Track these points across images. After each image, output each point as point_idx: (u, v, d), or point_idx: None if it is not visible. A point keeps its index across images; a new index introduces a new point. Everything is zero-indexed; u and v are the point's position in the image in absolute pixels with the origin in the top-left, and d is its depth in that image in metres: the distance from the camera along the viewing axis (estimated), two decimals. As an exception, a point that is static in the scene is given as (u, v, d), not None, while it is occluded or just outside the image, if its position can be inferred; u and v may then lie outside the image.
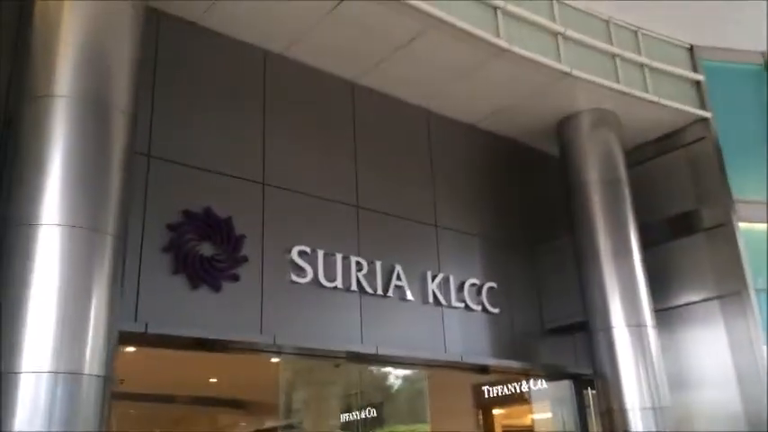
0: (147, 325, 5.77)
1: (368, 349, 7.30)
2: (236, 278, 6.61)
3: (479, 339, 8.48)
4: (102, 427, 4.64)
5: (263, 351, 6.74)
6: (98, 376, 4.63)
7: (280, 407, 12.86)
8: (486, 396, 11.61)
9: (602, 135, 9.16)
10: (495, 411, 11.94)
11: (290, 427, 14.92)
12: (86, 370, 4.54)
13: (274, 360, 10.99)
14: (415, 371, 11.40)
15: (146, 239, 6.15)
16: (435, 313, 8.15)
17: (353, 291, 7.46)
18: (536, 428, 10.56)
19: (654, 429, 7.76)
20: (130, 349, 9.22)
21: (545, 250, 9.42)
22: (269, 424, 14.19)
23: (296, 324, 6.90)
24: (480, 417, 11.75)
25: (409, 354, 7.63)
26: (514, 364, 8.60)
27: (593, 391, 8.71)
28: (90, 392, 4.56)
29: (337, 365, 11.50)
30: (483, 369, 8.51)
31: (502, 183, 9.56)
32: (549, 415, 9.82)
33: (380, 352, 7.33)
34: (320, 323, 7.09)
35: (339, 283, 7.34)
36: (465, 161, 9.30)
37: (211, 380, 11.59)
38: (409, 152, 8.71)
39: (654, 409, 7.84)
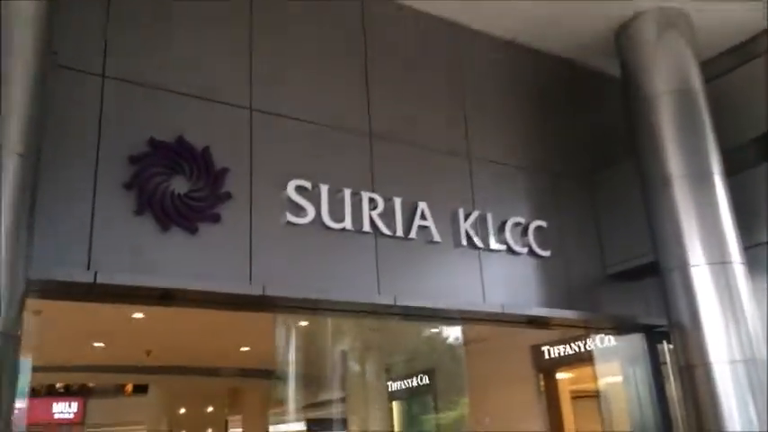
0: (96, 274, 4.75)
1: (385, 300, 6.11)
2: (216, 219, 5.53)
3: (526, 287, 7.15)
4: (12, 396, 3.69)
5: (251, 305, 5.63)
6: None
7: (317, 377, 11.93)
8: (547, 357, 10.26)
9: (670, 40, 7.56)
10: (560, 376, 10.56)
11: (330, 402, 14.04)
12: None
13: (303, 323, 10.11)
14: (467, 333, 10.19)
15: (101, 174, 5.13)
16: (470, 258, 6.86)
17: (367, 232, 6.27)
18: (604, 392, 9.13)
19: (746, 386, 6.26)
20: (138, 315, 8.48)
21: (604, 180, 7.94)
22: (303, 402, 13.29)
23: (293, 272, 5.78)
24: (542, 382, 10.40)
25: (437, 305, 6.39)
26: (570, 314, 7.22)
27: (670, 345, 7.26)
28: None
29: (374, 329, 10.47)
30: (531, 321, 7.18)
31: (548, 106, 8.11)
32: (619, 377, 8.38)
33: (400, 303, 6.13)
34: (324, 271, 5.94)
35: (348, 223, 6.16)
36: (503, 82, 7.89)
37: (243, 348, 10.74)
38: (434, 72, 7.38)
39: (745, 361, 6.33)
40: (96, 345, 9.63)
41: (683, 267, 6.76)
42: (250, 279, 5.54)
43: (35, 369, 11.41)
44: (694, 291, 6.68)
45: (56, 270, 4.62)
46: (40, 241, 4.66)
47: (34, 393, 19.76)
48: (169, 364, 12.27)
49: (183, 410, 15.07)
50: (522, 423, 9.98)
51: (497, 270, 6.98)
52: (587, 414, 10.15)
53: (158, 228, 5.26)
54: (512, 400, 10.35)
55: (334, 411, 13.86)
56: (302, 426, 17.58)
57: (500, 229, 7.10)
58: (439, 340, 10.44)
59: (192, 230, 5.39)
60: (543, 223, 7.38)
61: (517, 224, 7.22)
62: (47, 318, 8.03)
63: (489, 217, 7.05)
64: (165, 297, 5.25)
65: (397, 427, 12.92)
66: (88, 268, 4.84)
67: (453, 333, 10.14)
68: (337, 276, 6.00)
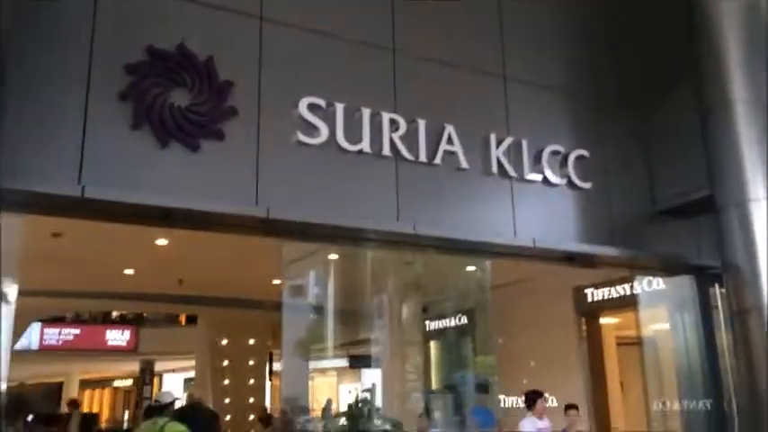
0: (83, 189, 4.47)
1: (403, 228, 5.68)
2: (220, 136, 5.15)
3: (563, 222, 6.58)
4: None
5: (253, 227, 5.29)
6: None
7: (355, 313, 11.72)
8: (590, 300, 9.68)
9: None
10: (604, 321, 9.98)
11: (368, 339, 13.85)
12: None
13: (332, 257, 9.80)
14: (507, 273, 9.69)
15: (94, 84, 4.79)
16: (501, 187, 6.33)
17: (386, 156, 5.80)
18: (650, 338, 8.54)
19: (805, 334, 5.61)
20: (162, 242, 8.31)
21: (656, 107, 7.18)
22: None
23: (303, 196, 5.39)
24: (584, 327, 9.85)
25: (460, 236, 5.92)
26: (612, 251, 6.65)
27: (722, 289, 6.61)
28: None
29: (408, 263, 10.07)
30: (569, 258, 6.65)
31: (596, 24, 7.35)
32: (666, 323, 7.78)
33: (420, 232, 5.68)
34: (337, 195, 5.53)
35: (366, 145, 5.70)
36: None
37: (275, 281, 10.53)
38: (469, -17, 6.70)
39: (806, 307, 5.66)
40: (126, 272, 9.60)
41: (742, 203, 6.03)
42: (256, 200, 5.18)
43: (66, 294, 11.63)
44: (753, 229, 5.96)
45: (42, 183, 4.35)
46: (28, 153, 4.41)
47: (89, 321, 20.50)
48: (203, 295, 12.23)
49: (225, 341, 15.22)
50: (561, 369, 9.50)
51: (531, 202, 6.43)
52: (633, 362, 9.60)
53: (156, 143, 4.92)
54: (552, 345, 9.85)
55: (373, 349, 13.73)
56: (344, 362, 17.67)
57: (536, 158, 6.51)
58: (478, 279, 9.97)
59: (194, 147, 5.04)
60: (585, 152, 6.73)
61: (555, 153, 6.61)
62: (69, 242, 7.98)
63: (524, 144, 6.46)
64: (163, 217, 4.96)
65: (434, 366, 12.66)
66: (79, 182, 4.55)
67: (493, 272, 9.64)
68: (352, 202, 5.59)
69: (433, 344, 12.63)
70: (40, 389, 27.97)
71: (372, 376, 15.07)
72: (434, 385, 12.54)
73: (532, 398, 6.49)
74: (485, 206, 6.18)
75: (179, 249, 8.52)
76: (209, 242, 8.12)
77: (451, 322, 11.86)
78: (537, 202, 6.46)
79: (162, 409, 5.90)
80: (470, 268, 9.68)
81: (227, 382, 14.92)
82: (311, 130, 5.50)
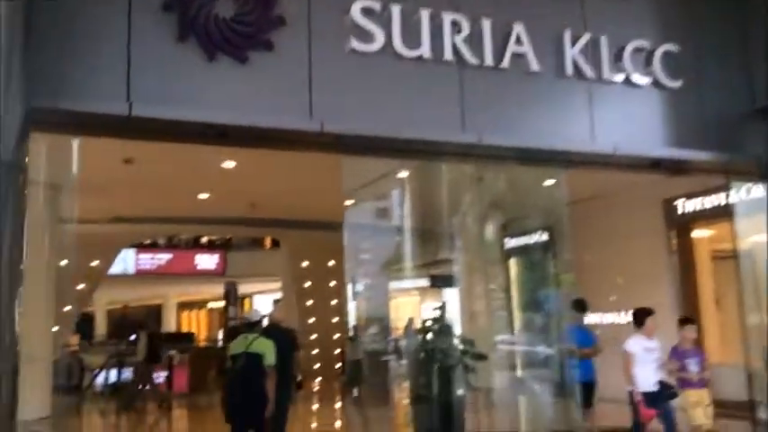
0: (131, 105, 4.33)
1: (469, 139, 5.30)
2: (269, 46, 4.88)
3: (648, 125, 6.00)
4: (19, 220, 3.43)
5: (308, 142, 5.05)
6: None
7: (431, 233, 11.51)
8: (681, 212, 9.03)
9: None
10: (696, 234, 9.32)
11: (447, 260, 13.63)
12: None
13: (402, 175, 9.51)
14: (590, 186, 9.16)
15: (136, -4, 4.57)
16: (577, 91, 5.79)
17: (448, 62, 5.37)
18: (747, 252, 7.87)
19: None
20: (229, 165, 8.25)
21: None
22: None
23: (359, 107, 5.08)
24: (674, 241, 9.24)
25: (531, 144, 5.48)
26: (705, 156, 6.05)
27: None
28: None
29: (479, 178, 9.68)
30: (655, 165, 6.10)
31: None
32: (765, 235, 7.11)
33: (486, 142, 5.30)
34: (396, 105, 5.19)
35: (426, 51, 5.28)
36: None
37: (347, 202, 10.41)
38: None
39: None
40: (201, 197, 9.69)
41: None
42: (310, 114, 4.92)
43: (148, 220, 11.95)
44: None
45: (87, 102, 4.24)
46: (73, 70, 4.29)
47: (180, 246, 21.34)
48: (278, 218, 12.28)
49: (306, 263, 15.45)
50: (649, 285, 9.00)
51: (611, 106, 5.87)
52: (729, 277, 8.97)
53: (203, 56, 4.70)
54: (639, 260, 9.33)
55: (452, 268, 13.56)
56: (426, 281, 17.67)
57: (617, 56, 5.90)
58: (557, 194, 9.46)
59: (242, 60, 4.80)
60: (674, 47, 6.05)
61: (639, 50, 5.96)
62: (141, 167, 8.07)
63: (603, 41, 5.85)
64: (215, 134, 4.79)
65: (514, 284, 12.37)
66: (126, 100, 4.41)
67: (573, 186, 9.12)
68: (412, 111, 5.23)
69: (513, 262, 12.31)
70: (141, 310, 29.86)
71: (453, 295, 15.02)
72: (516, 304, 12.32)
73: (641, 315, 5.91)
74: (559, 112, 5.69)
75: (247, 173, 8.49)
76: (277, 164, 8.04)
77: (531, 239, 11.46)
78: (618, 106, 5.89)
79: (252, 326, 6.11)
80: (549, 182, 9.19)
81: (310, 302, 15.25)
82: (365, 36, 5.13)
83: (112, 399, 11.29)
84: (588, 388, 6.64)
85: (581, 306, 6.94)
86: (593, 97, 5.81)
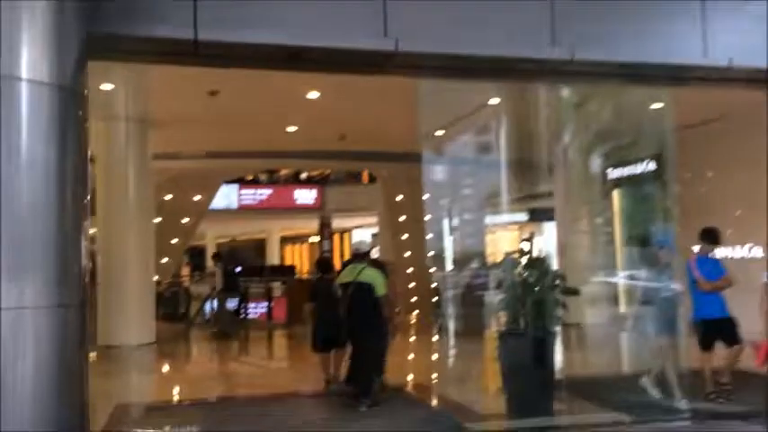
0: (196, 29, 4.17)
1: (559, 54, 4.81)
2: (340, -39, 4.55)
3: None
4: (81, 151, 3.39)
5: (383, 64, 4.73)
6: (57, 86, 3.22)
7: (529, 164, 10.97)
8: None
9: None
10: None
11: (546, 194, 13.05)
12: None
13: (493, 102, 8.99)
14: (702, 110, 8.36)
15: None
16: (686, -4, 5.11)
17: (537, -32, 4.85)
18: None
19: None
20: (313, 95, 8.07)
21: None
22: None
23: (438, 25, 4.67)
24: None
25: (631, 58, 4.92)
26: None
27: None
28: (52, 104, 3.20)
29: (578, 104, 9.05)
30: (774, 80, 5.35)
31: None
32: None
33: (579, 57, 4.79)
34: (475, 20, 4.73)
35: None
36: None
37: (438, 132, 10.07)
38: None
39: None
40: (289, 129, 9.63)
41: None
42: (385, 32, 4.59)
43: (239, 155, 12.08)
44: None
45: (151, 26, 4.11)
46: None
47: (279, 182, 21.80)
48: (369, 150, 12.07)
49: (401, 197, 15.32)
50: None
51: (726, 13, 5.15)
52: None
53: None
54: (759, 191, 8.49)
55: (552, 201, 13.02)
56: (524, 215, 17.18)
57: (735, -46, 5.14)
58: (666, 118, 8.70)
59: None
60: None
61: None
62: (227, 100, 8.06)
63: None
64: (286, 58, 4.59)
65: (618, 216, 11.70)
66: (193, 23, 4.25)
67: (684, 109, 8.34)
68: (493, 26, 4.78)
69: (617, 193, 11.60)
70: (248, 244, 31.09)
71: (552, 229, 14.48)
72: (620, 237, 11.69)
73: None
74: (664, 20, 5.05)
75: (333, 104, 8.31)
76: (363, 93, 7.80)
77: (637, 169, 10.71)
78: (735, 13, 5.16)
79: (362, 256, 6.25)
80: (655, 106, 8.45)
81: (405, 236, 15.16)
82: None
83: (216, 326, 11.80)
84: (724, 324, 5.98)
85: (712, 236, 6.21)
86: (706, 5, 5.11)
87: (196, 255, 30.27)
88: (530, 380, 5.38)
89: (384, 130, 9.97)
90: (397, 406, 5.87)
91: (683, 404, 5.56)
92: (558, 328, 5.96)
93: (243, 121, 9.07)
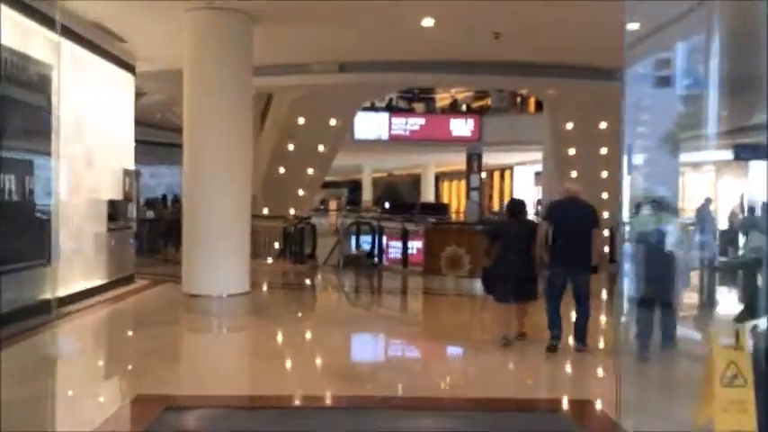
0: None
1: None
2: None
3: None
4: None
5: None
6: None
7: (749, 87, 8.16)
8: None
9: None
10: None
11: (760, 125, 10.02)
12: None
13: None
14: None
15: None
16: None
17: None
18: None
19: None
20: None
21: None
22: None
23: None
24: None
25: None
26: None
27: None
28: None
29: None
30: None
31: None
32: None
33: None
34: None
35: None
36: None
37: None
38: None
39: None
40: (425, 24, 7.25)
41: None
42: None
43: (373, 67, 10.13)
44: None
45: None
46: None
47: (434, 111, 19.86)
48: (530, 60, 9.40)
49: (571, 125, 12.76)
50: None
51: None
52: None
53: None
54: None
55: (764, 136, 10.05)
56: (727, 153, 14.09)
57: None
58: None
59: None
60: None
61: None
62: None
63: None
64: None
65: None
66: None
67: None
68: None
69: None
70: (405, 179, 29.70)
71: (762, 171, 11.48)
72: None
73: None
74: None
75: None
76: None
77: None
78: None
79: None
80: None
81: (574, 174, 12.66)
82: None
83: (345, 270, 10.36)
84: None
85: None
86: None
87: (354, 190, 29.48)
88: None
89: (551, 31, 7.50)
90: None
91: None
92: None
93: (370, 14, 6.95)
